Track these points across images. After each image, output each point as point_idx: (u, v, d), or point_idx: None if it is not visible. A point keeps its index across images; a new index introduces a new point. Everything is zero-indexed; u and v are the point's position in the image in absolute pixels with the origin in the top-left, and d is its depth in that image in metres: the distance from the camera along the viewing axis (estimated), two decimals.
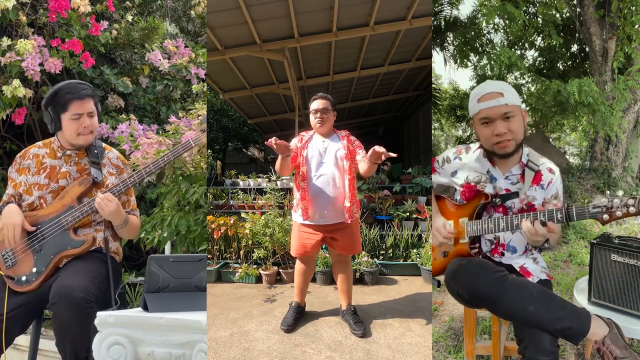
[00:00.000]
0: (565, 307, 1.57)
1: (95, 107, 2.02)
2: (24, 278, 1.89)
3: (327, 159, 2.69)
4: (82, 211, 1.93)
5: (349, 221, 2.66)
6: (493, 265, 1.69)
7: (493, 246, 1.89)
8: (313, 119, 2.74)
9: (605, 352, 1.49)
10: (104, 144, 2.14)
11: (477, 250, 1.86)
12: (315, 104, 2.73)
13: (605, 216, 1.47)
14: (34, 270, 1.89)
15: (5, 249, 1.92)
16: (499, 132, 1.69)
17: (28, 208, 1.99)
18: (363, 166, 2.56)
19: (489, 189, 1.82)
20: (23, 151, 2.09)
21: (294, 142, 2.79)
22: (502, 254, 1.89)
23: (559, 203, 1.82)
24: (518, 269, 1.84)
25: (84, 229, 1.99)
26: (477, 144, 1.91)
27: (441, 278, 1.90)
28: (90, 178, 2.00)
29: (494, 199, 1.79)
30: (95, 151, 2.05)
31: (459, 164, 1.92)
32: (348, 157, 2.66)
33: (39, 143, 2.10)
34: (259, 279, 3.99)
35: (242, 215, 4.46)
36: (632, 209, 1.43)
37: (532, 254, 1.96)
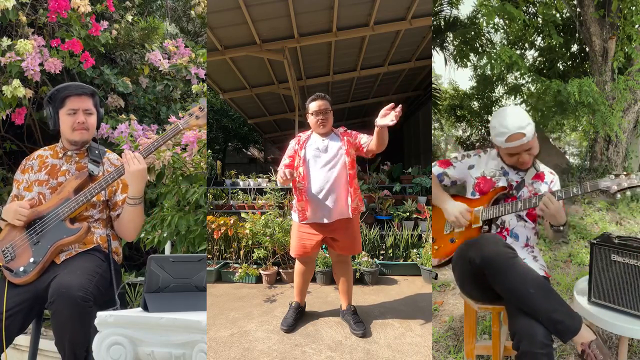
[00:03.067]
0: (562, 304, 1.64)
1: (94, 107, 2.08)
2: (21, 269, 1.91)
3: (326, 158, 2.68)
4: (77, 201, 1.95)
5: (352, 216, 2.66)
6: (508, 243, 1.81)
7: (498, 230, 2.07)
8: (314, 121, 2.72)
9: (590, 355, 1.56)
10: (106, 149, 2.19)
11: (487, 231, 2.04)
12: (315, 106, 2.71)
13: (614, 187, 1.75)
14: (31, 260, 1.91)
15: (5, 245, 1.95)
16: (524, 161, 2.02)
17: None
18: (373, 143, 2.54)
19: (502, 182, 2.10)
20: (30, 154, 2.17)
21: (292, 145, 2.78)
22: (505, 238, 2.03)
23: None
24: None
25: (81, 222, 2.01)
26: (493, 149, 2.20)
27: (440, 272, 1.97)
28: (86, 172, 2.03)
29: (510, 191, 2.07)
30: (97, 151, 2.11)
31: (478, 160, 2.21)
32: (348, 153, 2.65)
33: (45, 147, 2.18)
34: (259, 279, 3.99)
35: (242, 215, 4.46)
36: (634, 181, 1.72)
37: (532, 251, 2.05)
